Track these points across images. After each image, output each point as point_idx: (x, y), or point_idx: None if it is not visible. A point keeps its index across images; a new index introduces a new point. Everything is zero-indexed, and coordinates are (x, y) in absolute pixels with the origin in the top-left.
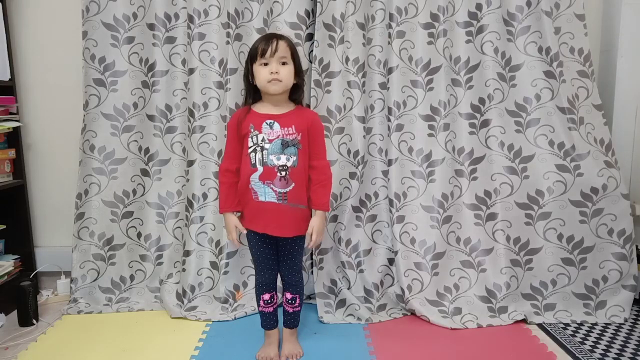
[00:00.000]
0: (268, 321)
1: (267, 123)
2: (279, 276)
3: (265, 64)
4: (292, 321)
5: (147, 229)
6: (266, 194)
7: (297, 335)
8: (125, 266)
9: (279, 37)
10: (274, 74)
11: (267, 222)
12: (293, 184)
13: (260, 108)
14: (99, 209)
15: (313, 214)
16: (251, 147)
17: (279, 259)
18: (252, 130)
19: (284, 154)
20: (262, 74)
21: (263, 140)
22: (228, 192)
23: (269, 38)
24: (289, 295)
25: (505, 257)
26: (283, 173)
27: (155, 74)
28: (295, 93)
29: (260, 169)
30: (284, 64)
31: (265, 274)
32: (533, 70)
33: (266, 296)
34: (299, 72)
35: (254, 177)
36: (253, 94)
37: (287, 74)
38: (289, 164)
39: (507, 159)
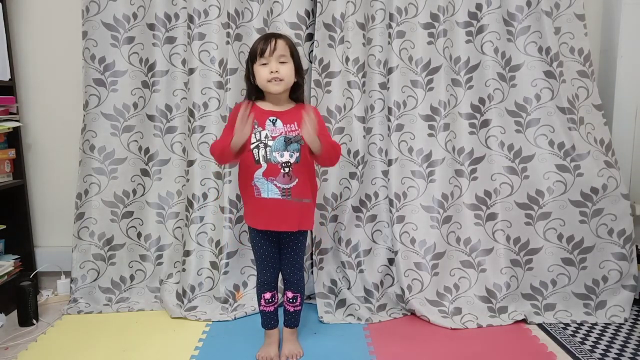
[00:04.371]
0: (268, 321)
1: (270, 120)
2: (279, 276)
3: (265, 64)
4: (292, 321)
5: (147, 229)
6: (269, 190)
7: (297, 335)
8: (125, 266)
9: (278, 36)
10: (273, 73)
11: (269, 219)
12: (297, 180)
13: (262, 105)
14: (99, 209)
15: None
16: (254, 143)
17: (280, 256)
18: (255, 126)
19: (287, 151)
20: (262, 74)
21: (266, 137)
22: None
23: (268, 37)
24: (289, 294)
25: (505, 257)
26: (287, 169)
27: (155, 74)
28: (296, 91)
29: (264, 165)
30: (283, 62)
31: (267, 272)
32: (533, 70)
33: (267, 295)
34: (299, 70)
35: (258, 173)
36: (255, 94)
37: (287, 72)
38: (292, 161)
39: (507, 159)
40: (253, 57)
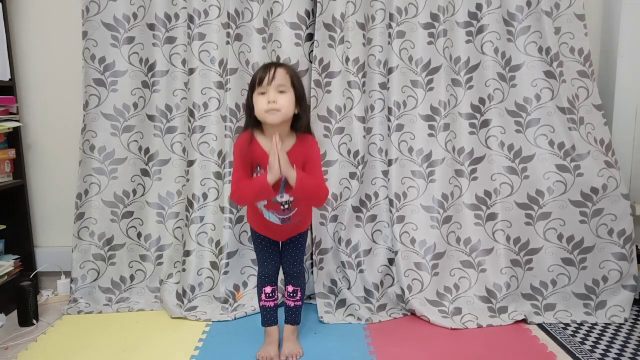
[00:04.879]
0: (268, 317)
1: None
2: (280, 274)
3: (263, 93)
4: (293, 317)
5: (147, 229)
6: (270, 216)
7: (298, 334)
8: (125, 266)
9: (278, 65)
10: (271, 103)
11: (268, 232)
12: (295, 209)
13: (263, 141)
14: (99, 209)
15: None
16: None
17: (281, 251)
18: (258, 168)
19: (287, 192)
20: (260, 104)
21: None
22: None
23: (267, 66)
24: (290, 288)
25: (505, 257)
26: (286, 206)
27: (155, 74)
28: (297, 122)
29: (264, 201)
30: (282, 92)
31: (268, 265)
32: (533, 70)
33: (268, 289)
34: (300, 101)
35: (260, 203)
36: (253, 125)
37: (285, 102)
38: (291, 199)
39: (507, 159)
40: (252, 86)
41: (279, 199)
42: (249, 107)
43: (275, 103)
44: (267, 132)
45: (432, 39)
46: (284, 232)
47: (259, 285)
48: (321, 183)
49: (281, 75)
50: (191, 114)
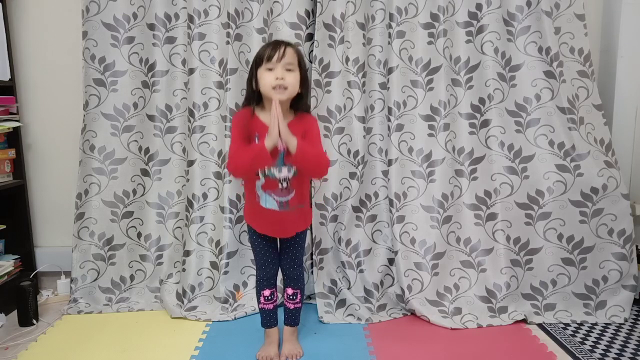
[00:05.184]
0: (268, 319)
1: None
2: (279, 275)
3: (271, 69)
4: (292, 319)
5: (147, 229)
6: (267, 201)
7: (297, 334)
8: (125, 266)
9: (287, 43)
10: (279, 80)
11: (267, 227)
12: (294, 191)
13: (263, 116)
14: (99, 209)
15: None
16: None
17: (280, 252)
18: (257, 140)
19: (285, 166)
20: (267, 79)
21: None
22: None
23: (277, 43)
24: (289, 291)
25: (505, 257)
26: (285, 184)
27: (155, 74)
28: (298, 102)
29: (262, 179)
30: (289, 70)
31: (266, 268)
32: (533, 70)
33: (267, 292)
34: (304, 82)
35: (257, 184)
36: (255, 100)
37: (292, 81)
38: (290, 175)
39: (507, 159)
40: (259, 61)
41: (277, 174)
42: (251, 82)
43: (283, 80)
44: (268, 108)
45: (432, 39)
46: (282, 224)
47: (257, 289)
48: (321, 152)
49: (290, 54)
50: (191, 114)
